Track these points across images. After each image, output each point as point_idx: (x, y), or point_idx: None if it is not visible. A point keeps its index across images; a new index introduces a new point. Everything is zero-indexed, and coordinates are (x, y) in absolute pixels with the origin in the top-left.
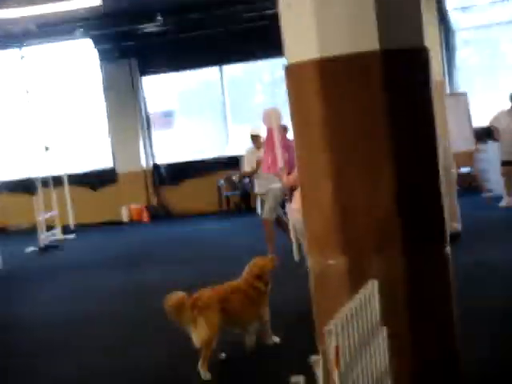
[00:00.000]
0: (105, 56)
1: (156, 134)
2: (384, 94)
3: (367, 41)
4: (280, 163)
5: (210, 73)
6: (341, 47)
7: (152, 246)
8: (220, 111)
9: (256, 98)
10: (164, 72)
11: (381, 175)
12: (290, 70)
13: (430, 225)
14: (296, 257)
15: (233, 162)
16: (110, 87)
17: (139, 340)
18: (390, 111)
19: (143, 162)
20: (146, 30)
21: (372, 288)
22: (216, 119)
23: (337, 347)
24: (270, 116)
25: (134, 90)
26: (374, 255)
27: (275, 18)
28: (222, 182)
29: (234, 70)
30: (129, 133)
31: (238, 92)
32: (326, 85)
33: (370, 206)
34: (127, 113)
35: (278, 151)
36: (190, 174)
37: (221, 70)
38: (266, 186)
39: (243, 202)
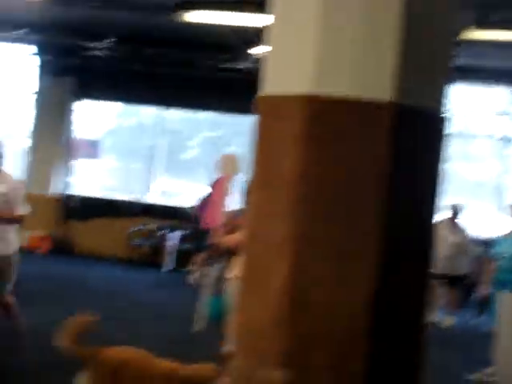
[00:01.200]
0: (45, 67)
1: (77, 162)
2: (385, 157)
3: (377, 88)
4: (222, 217)
5: (148, 112)
6: (341, 87)
7: (47, 282)
8: (149, 155)
9: (189, 152)
10: (100, 99)
11: (356, 268)
12: (266, 103)
13: (408, 351)
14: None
15: (150, 210)
16: (42, 101)
17: None
18: (387, 181)
19: (56, 188)
20: (93, 52)
21: None
22: (143, 162)
23: None
24: (227, 163)
25: (65, 111)
26: (329, 374)
27: (233, 72)
28: (135, 228)
29: (174, 116)
30: (49, 153)
31: (172, 140)
32: (311, 127)
33: (331, 311)
34: (53, 132)
35: (223, 204)
36: (103, 212)
37: (161, 113)
38: None
39: (153, 255)
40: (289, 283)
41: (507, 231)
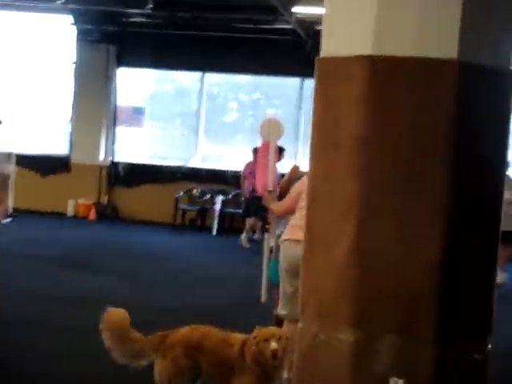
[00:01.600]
0: (83, 36)
1: (121, 129)
2: (450, 115)
3: (442, 46)
4: (270, 185)
5: (189, 77)
6: (405, 46)
7: (98, 249)
8: (192, 120)
9: (229, 115)
10: (142, 66)
11: (424, 228)
12: (325, 66)
13: (475, 313)
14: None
15: (195, 175)
16: (82, 71)
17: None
18: (454, 139)
19: (101, 157)
20: (131, 19)
21: None
22: (187, 127)
23: None
24: (269, 127)
25: (107, 79)
26: (394, 337)
27: (273, 33)
28: (181, 193)
29: (213, 80)
30: (92, 123)
31: (212, 104)
32: (374, 89)
33: (400, 271)
34: (95, 101)
35: (271, 170)
36: (149, 178)
37: (202, 78)
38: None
39: (200, 219)
40: (356, 245)
41: None
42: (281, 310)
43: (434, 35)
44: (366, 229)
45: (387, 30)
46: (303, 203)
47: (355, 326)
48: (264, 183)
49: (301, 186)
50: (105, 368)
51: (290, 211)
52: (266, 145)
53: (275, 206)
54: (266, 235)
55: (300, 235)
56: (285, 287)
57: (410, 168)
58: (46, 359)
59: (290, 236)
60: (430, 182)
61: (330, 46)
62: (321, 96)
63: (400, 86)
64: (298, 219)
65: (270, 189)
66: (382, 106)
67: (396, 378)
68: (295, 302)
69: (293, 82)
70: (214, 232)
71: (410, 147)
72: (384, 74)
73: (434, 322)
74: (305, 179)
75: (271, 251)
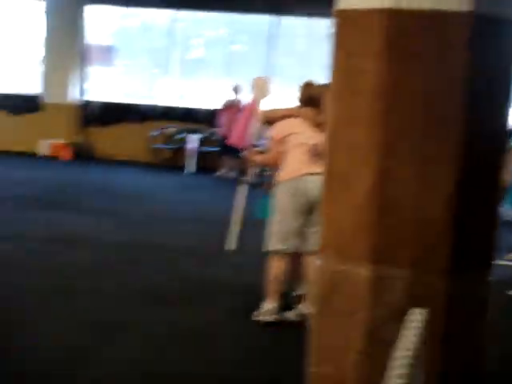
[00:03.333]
0: None
1: (93, 68)
2: (466, 68)
3: (459, 1)
4: (252, 138)
5: (156, 13)
6: (422, 1)
7: (74, 189)
8: (160, 57)
9: (195, 51)
10: (110, 3)
11: (438, 173)
12: (345, 17)
13: (482, 247)
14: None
15: (169, 113)
16: (51, 9)
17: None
18: (466, 87)
19: (74, 96)
20: None
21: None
22: (155, 65)
23: None
24: (258, 86)
25: (76, 18)
26: (408, 270)
27: None
28: (154, 132)
29: (179, 17)
30: (63, 61)
31: (180, 41)
32: (392, 41)
33: (417, 207)
34: (64, 40)
35: (254, 125)
36: (123, 117)
37: (168, 14)
38: None
39: (174, 158)
40: (375, 188)
41: None
42: (277, 245)
43: None
44: (385, 171)
45: None
46: (296, 141)
47: (372, 261)
48: (242, 139)
49: (286, 128)
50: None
51: (281, 156)
52: (252, 102)
53: (264, 158)
54: (242, 180)
55: (315, 168)
56: (288, 223)
57: (428, 113)
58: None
59: (307, 170)
60: (442, 127)
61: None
62: (341, 46)
63: (417, 37)
64: (301, 155)
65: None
66: (401, 55)
67: (419, 309)
68: (299, 236)
69: (261, 18)
70: (192, 170)
71: (427, 93)
72: (402, 26)
73: (446, 254)
74: (290, 121)
75: (257, 186)
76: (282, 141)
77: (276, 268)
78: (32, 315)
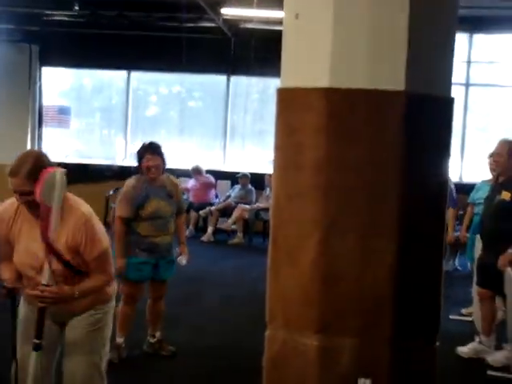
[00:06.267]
0: (5, 36)
1: (46, 129)
2: (401, 142)
3: (392, 79)
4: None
5: (116, 76)
6: (358, 80)
7: None
8: (114, 116)
9: (150, 109)
10: (66, 66)
11: (378, 245)
12: (286, 95)
13: (427, 313)
14: None
15: (125, 173)
16: (5, 71)
17: None
18: (405, 164)
19: None
20: (53, 18)
21: None
22: (109, 124)
23: None
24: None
25: (31, 79)
26: (355, 339)
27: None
28: (111, 192)
29: (135, 76)
30: (18, 123)
31: (133, 99)
32: (330, 118)
33: (360, 278)
34: (19, 102)
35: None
36: (78, 178)
37: (128, 76)
38: None
39: None
40: (319, 261)
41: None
42: None
43: (383, 70)
44: (328, 244)
45: (341, 66)
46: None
47: (319, 331)
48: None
49: None
50: None
51: None
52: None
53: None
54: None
55: None
56: None
57: (369, 188)
58: None
59: None
60: (383, 202)
61: (289, 79)
62: (282, 123)
63: (355, 115)
64: None
65: None
66: (340, 132)
67: (364, 379)
68: None
69: (217, 78)
70: None
71: (365, 169)
72: (339, 103)
73: (390, 323)
74: None
75: None
76: None
77: None
78: None
